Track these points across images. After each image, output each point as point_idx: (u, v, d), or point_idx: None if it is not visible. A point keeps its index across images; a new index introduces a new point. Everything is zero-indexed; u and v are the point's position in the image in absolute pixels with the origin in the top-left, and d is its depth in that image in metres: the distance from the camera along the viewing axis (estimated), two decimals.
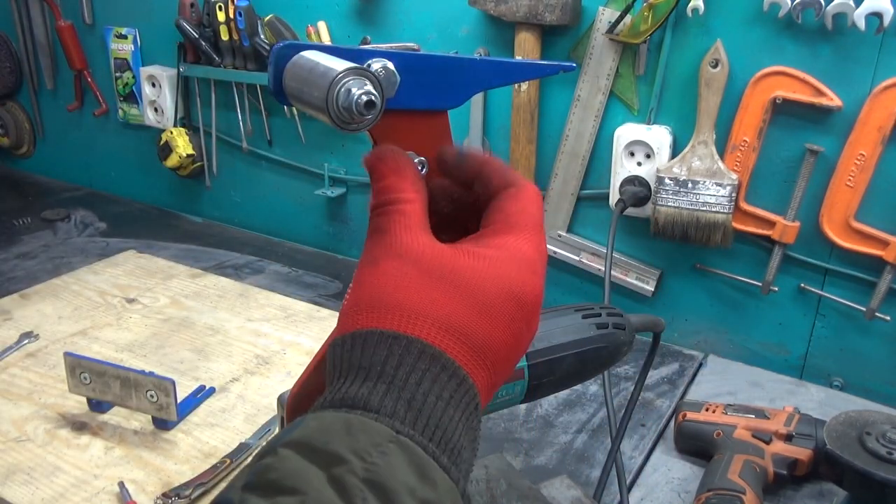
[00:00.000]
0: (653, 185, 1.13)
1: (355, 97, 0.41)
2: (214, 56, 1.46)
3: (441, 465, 0.36)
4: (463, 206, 0.48)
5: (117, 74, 1.67)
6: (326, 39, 1.37)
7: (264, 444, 0.36)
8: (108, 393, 0.95)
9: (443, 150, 0.47)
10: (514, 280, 0.41)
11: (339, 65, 0.42)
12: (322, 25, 1.37)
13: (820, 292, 1.12)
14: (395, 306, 0.40)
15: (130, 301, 1.29)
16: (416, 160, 0.47)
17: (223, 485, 0.87)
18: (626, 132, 1.15)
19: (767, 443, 0.89)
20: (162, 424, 0.96)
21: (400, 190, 0.43)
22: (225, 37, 1.42)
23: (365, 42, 1.32)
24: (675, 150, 1.14)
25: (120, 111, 1.71)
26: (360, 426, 0.35)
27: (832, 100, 1.01)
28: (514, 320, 0.41)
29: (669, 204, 1.12)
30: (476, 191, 0.47)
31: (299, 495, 0.32)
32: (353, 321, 0.41)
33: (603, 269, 1.16)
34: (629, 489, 0.90)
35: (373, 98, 0.42)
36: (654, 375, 1.14)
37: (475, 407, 0.40)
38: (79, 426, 0.97)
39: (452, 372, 0.39)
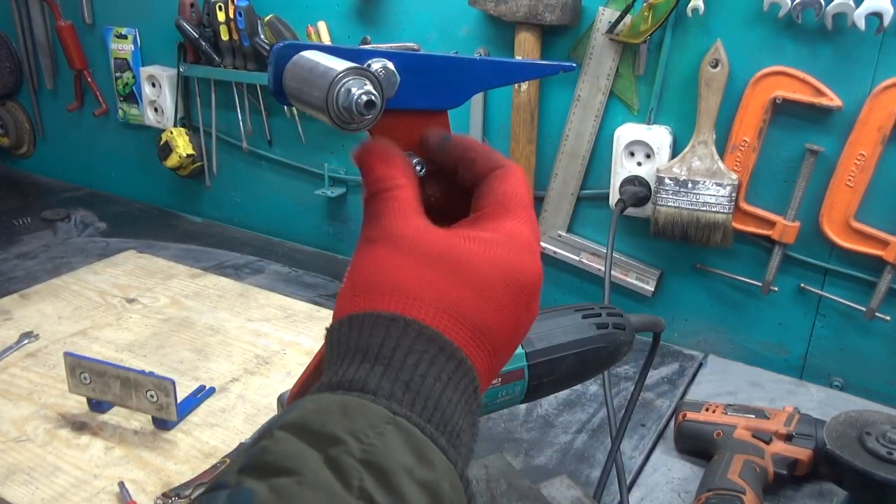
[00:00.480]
0: (653, 185, 1.13)
1: (355, 97, 0.41)
2: (214, 56, 1.46)
3: (439, 446, 0.36)
4: (452, 194, 0.48)
5: (117, 74, 1.67)
6: (326, 39, 1.37)
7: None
8: (108, 393, 0.95)
9: (427, 134, 0.47)
10: (513, 262, 0.41)
11: (339, 65, 0.42)
12: (322, 25, 1.37)
13: (820, 292, 1.12)
14: (392, 288, 0.40)
15: (130, 301, 1.29)
16: (414, 160, 0.47)
17: None
18: (626, 132, 1.15)
19: (767, 443, 0.89)
20: (162, 424, 0.96)
21: (391, 178, 0.43)
22: (225, 37, 1.42)
23: (365, 42, 1.32)
24: (675, 150, 1.14)
25: (120, 111, 1.71)
26: (357, 408, 0.35)
27: (832, 100, 1.01)
28: (514, 303, 0.41)
29: (669, 204, 1.12)
30: (461, 175, 0.46)
31: (295, 476, 0.32)
32: (349, 304, 0.40)
33: (603, 269, 1.16)
34: (629, 489, 0.90)
35: (373, 98, 0.42)
36: (654, 375, 1.14)
37: (474, 389, 0.39)
38: (79, 426, 0.97)
39: (451, 354, 0.38)
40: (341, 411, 0.35)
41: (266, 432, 0.35)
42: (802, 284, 1.13)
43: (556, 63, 0.52)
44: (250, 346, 1.17)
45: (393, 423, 0.35)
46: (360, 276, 0.41)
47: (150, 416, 0.96)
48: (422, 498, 0.33)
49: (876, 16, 0.96)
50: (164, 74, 1.57)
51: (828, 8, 0.98)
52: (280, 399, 0.71)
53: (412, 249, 0.40)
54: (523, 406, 1.05)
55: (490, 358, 0.41)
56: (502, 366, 0.43)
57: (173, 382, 0.92)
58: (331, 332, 0.41)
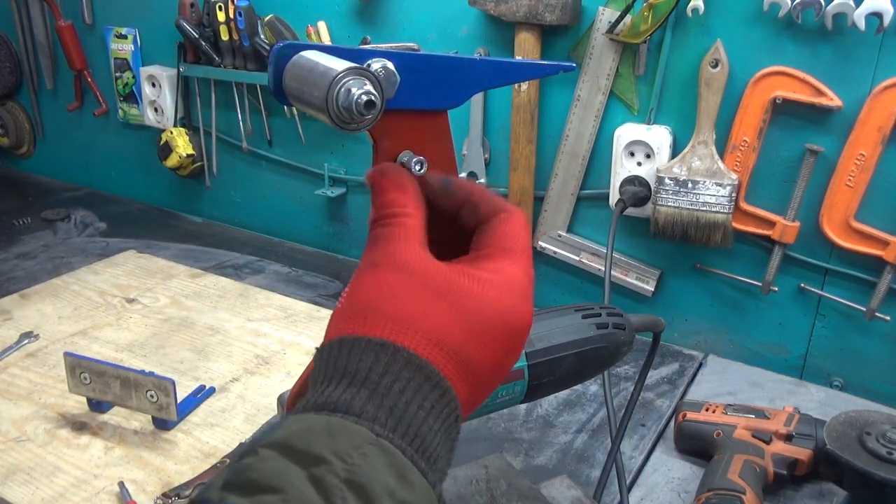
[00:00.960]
0: (653, 185, 1.13)
1: (355, 97, 0.41)
2: (214, 56, 1.46)
3: (419, 468, 0.36)
4: (450, 230, 0.48)
5: (117, 74, 1.67)
6: (326, 39, 1.37)
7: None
8: (108, 393, 0.95)
9: (428, 178, 0.47)
10: (507, 306, 0.42)
11: (338, 65, 0.42)
12: (322, 25, 1.37)
13: (820, 292, 1.12)
14: (388, 315, 0.40)
15: (130, 301, 1.29)
16: (414, 160, 0.47)
17: None
18: (626, 132, 1.15)
19: (767, 443, 0.89)
20: (162, 424, 0.96)
21: (402, 205, 0.44)
22: (225, 37, 1.42)
23: (365, 42, 1.32)
24: (675, 150, 1.14)
25: (120, 111, 1.71)
26: (342, 428, 0.36)
27: (832, 100, 1.01)
28: (503, 344, 0.42)
29: (669, 204, 1.12)
30: (463, 217, 0.47)
31: (279, 494, 0.32)
32: (343, 326, 0.41)
33: (603, 269, 1.16)
34: (629, 489, 0.90)
35: (373, 98, 0.42)
36: (654, 375, 1.14)
37: (455, 419, 0.40)
38: (79, 426, 0.97)
39: (436, 383, 0.39)
40: (326, 432, 0.35)
41: (251, 450, 0.35)
42: (802, 284, 1.13)
43: (556, 63, 0.52)
44: (250, 346, 1.17)
45: (376, 445, 0.36)
46: (358, 299, 0.42)
47: (150, 416, 0.96)
48: None
49: (876, 16, 0.96)
50: (164, 74, 1.57)
51: (828, 8, 0.98)
52: (280, 399, 0.71)
53: (414, 279, 0.41)
54: (523, 406, 1.05)
55: (473, 392, 0.42)
56: (483, 399, 0.44)
57: (173, 382, 0.92)
58: (321, 352, 0.41)
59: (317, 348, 0.42)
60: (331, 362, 0.40)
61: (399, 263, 0.42)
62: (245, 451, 0.35)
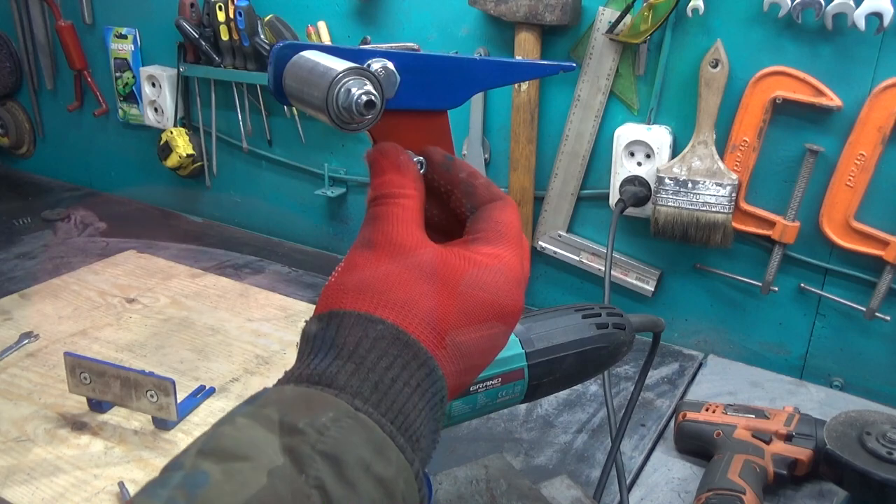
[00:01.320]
0: (653, 185, 1.13)
1: (355, 97, 0.41)
2: (214, 56, 1.46)
3: (397, 444, 0.36)
4: (443, 212, 0.48)
5: (117, 74, 1.67)
6: (326, 39, 1.37)
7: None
8: (108, 393, 0.95)
9: (431, 151, 0.48)
10: (502, 291, 0.42)
11: (338, 65, 0.42)
12: (322, 25, 1.37)
13: (820, 292, 1.12)
14: (382, 292, 0.40)
15: (130, 301, 1.29)
16: (414, 159, 0.48)
17: None
18: (626, 132, 1.15)
19: (767, 443, 0.89)
20: (162, 424, 0.96)
21: (401, 185, 0.44)
22: (225, 37, 1.42)
23: (365, 42, 1.32)
24: (675, 150, 1.14)
25: (120, 111, 1.71)
26: (320, 401, 0.36)
27: (832, 100, 1.01)
28: (494, 328, 0.42)
29: (669, 204, 1.12)
30: (456, 198, 0.47)
31: (251, 461, 0.33)
32: (334, 301, 0.41)
33: (603, 269, 1.16)
34: (629, 489, 0.90)
35: (373, 98, 0.42)
36: (654, 375, 1.14)
37: (441, 399, 0.40)
38: (79, 426, 0.97)
39: (423, 362, 0.39)
40: (304, 403, 0.36)
41: (227, 418, 0.35)
42: (802, 284, 1.13)
43: (556, 63, 0.52)
44: (250, 346, 1.17)
45: (353, 418, 0.36)
46: (352, 275, 0.42)
47: (150, 416, 0.96)
48: (375, 492, 0.34)
49: (876, 16, 0.96)
50: (164, 74, 1.57)
51: (828, 8, 0.98)
52: None
53: (409, 259, 0.41)
54: (523, 406, 1.05)
55: (460, 375, 0.42)
56: (469, 383, 0.44)
57: (173, 382, 0.92)
58: (309, 325, 0.41)
59: (305, 321, 0.42)
60: (319, 335, 0.40)
61: (396, 243, 0.42)
62: (222, 420, 0.36)
